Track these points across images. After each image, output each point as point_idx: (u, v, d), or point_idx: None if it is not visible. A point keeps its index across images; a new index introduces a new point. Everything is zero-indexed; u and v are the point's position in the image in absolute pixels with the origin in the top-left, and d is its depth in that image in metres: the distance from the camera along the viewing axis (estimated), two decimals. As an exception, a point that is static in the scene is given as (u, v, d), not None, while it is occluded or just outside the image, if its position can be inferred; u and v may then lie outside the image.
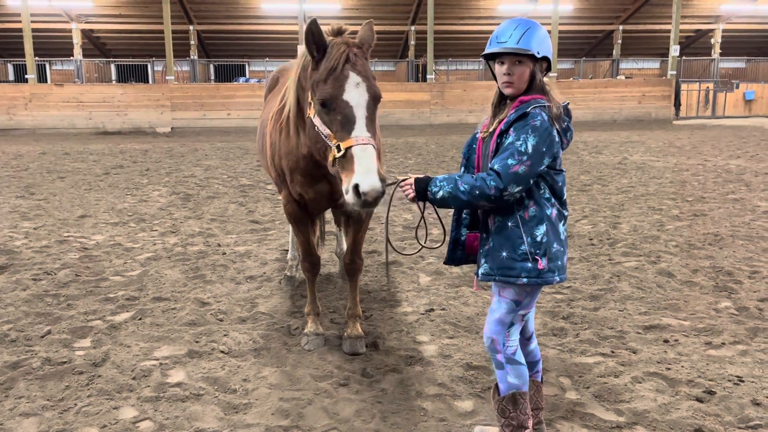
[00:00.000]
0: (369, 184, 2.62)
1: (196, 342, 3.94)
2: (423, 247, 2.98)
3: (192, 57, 28.51)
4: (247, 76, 29.97)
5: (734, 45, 32.78)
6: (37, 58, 23.79)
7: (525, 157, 2.44)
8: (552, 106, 2.54)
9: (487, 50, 2.58)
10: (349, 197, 2.69)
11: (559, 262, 2.58)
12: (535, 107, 2.51)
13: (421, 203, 2.69)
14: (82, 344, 3.92)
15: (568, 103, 2.66)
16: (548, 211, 2.56)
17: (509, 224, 2.55)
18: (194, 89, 23.04)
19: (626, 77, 28.55)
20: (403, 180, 2.66)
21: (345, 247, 4.27)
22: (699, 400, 3.16)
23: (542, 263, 2.52)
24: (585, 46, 33.74)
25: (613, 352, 3.75)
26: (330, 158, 2.88)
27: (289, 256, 5.30)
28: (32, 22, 22.73)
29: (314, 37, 2.91)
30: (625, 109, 24.06)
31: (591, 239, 6.34)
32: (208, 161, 12.98)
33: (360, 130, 2.78)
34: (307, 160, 3.50)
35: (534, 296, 2.66)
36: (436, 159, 13.19)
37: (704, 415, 3.01)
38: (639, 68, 32.96)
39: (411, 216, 7.30)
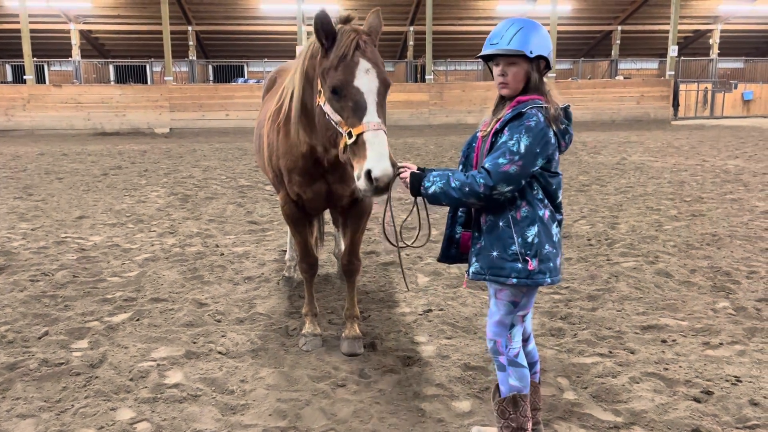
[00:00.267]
0: (381, 170, 2.62)
1: (194, 343, 3.93)
2: (407, 246, 2.96)
3: (190, 58, 28.52)
4: (246, 77, 29.98)
5: (732, 45, 32.84)
6: (35, 59, 23.79)
7: (517, 157, 2.43)
8: (550, 107, 2.51)
9: (482, 53, 2.59)
10: (360, 183, 2.68)
11: (551, 264, 2.55)
12: (531, 108, 2.50)
13: (418, 198, 2.70)
14: (80, 345, 3.91)
15: (569, 106, 2.63)
16: (540, 212, 2.54)
17: (500, 224, 2.54)
18: (193, 90, 23.04)
19: (625, 77, 28.57)
20: (403, 167, 2.68)
21: (343, 247, 4.26)
22: (697, 400, 3.16)
23: (532, 264, 2.51)
24: (583, 47, 33.78)
25: (610, 352, 3.75)
26: (341, 145, 2.87)
27: (287, 256, 5.30)
28: (30, 22, 22.72)
29: (324, 25, 2.91)
30: (624, 110, 24.08)
31: (589, 239, 6.35)
32: (206, 162, 12.97)
33: (371, 115, 2.78)
34: (306, 159, 3.49)
35: (530, 297, 2.64)
36: (435, 159, 13.19)
37: (702, 415, 3.01)
38: (637, 68, 33.01)
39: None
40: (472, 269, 2.65)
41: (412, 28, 29.08)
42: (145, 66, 29.25)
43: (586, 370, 3.52)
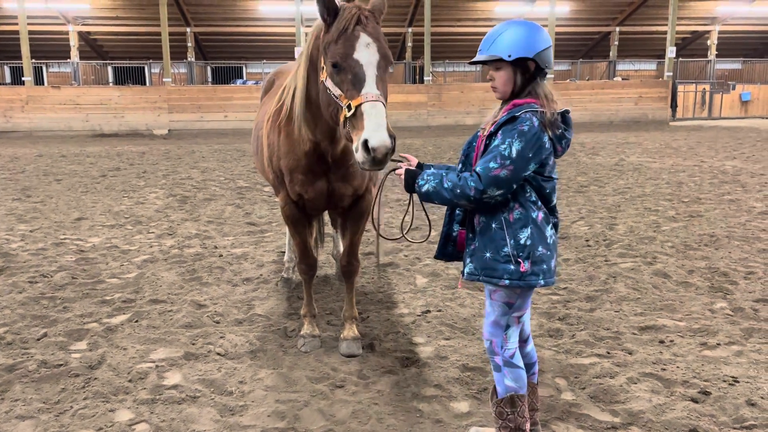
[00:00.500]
0: (378, 140, 2.61)
1: (193, 344, 3.94)
2: (404, 238, 2.98)
3: (189, 59, 28.53)
4: (245, 78, 29.97)
5: (730, 46, 32.88)
6: (33, 61, 23.76)
7: (508, 162, 2.43)
8: (546, 111, 2.49)
9: (472, 60, 2.62)
10: (359, 155, 2.68)
11: (545, 266, 2.55)
12: (526, 111, 2.49)
13: (414, 196, 2.70)
14: (78, 347, 3.91)
15: (568, 111, 2.60)
16: (534, 214, 2.54)
17: (493, 226, 2.55)
18: (191, 91, 23.04)
19: (623, 79, 28.60)
20: (400, 161, 2.69)
21: (341, 249, 4.27)
22: (694, 400, 3.17)
23: (525, 266, 2.51)
24: (582, 48, 33.81)
25: (608, 353, 3.76)
26: (341, 119, 2.88)
27: (285, 258, 5.30)
28: (29, 24, 22.72)
29: (325, 1, 2.94)
30: (622, 111, 24.10)
31: (587, 240, 6.36)
32: (205, 163, 12.98)
33: (369, 87, 2.79)
34: (309, 157, 3.50)
35: (525, 298, 2.64)
36: (434, 161, 13.21)
37: (699, 416, 3.02)
38: (636, 70, 33.04)
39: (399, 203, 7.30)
40: (466, 270, 2.66)
41: (410, 30, 29.10)
42: (143, 67, 29.25)
43: (584, 370, 3.53)
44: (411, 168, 2.68)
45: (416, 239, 2.98)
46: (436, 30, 26.03)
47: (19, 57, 22.56)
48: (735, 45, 33.27)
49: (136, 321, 4.33)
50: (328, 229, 6.10)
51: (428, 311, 4.48)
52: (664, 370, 3.51)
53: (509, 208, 2.54)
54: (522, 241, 2.51)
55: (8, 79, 28.89)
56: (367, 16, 2.94)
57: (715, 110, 27.81)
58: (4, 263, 5.66)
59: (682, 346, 3.83)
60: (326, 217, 5.68)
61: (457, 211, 2.77)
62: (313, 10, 3.06)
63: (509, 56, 2.49)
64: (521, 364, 2.68)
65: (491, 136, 2.55)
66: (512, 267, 2.52)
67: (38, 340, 3.99)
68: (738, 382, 3.35)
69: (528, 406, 2.78)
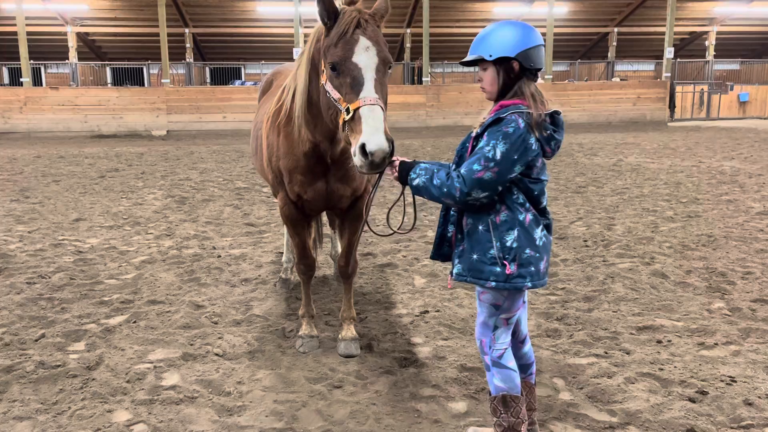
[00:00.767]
0: (376, 144, 2.61)
1: (191, 345, 3.94)
2: (395, 232, 2.99)
3: (188, 60, 28.51)
4: (243, 79, 29.95)
5: (728, 47, 32.93)
6: (32, 62, 23.73)
7: (492, 164, 2.42)
8: (532, 112, 2.47)
9: (461, 61, 2.65)
10: (356, 159, 2.68)
11: (532, 268, 2.53)
12: (512, 113, 2.47)
13: (405, 188, 2.71)
14: (76, 348, 3.91)
15: (558, 112, 2.57)
16: (521, 217, 2.52)
17: (480, 227, 2.55)
18: (190, 92, 23.03)
19: (621, 79, 28.62)
20: (393, 160, 2.70)
21: (340, 249, 4.27)
22: (691, 400, 3.18)
23: (510, 269, 2.50)
24: (580, 49, 33.84)
25: (606, 353, 3.77)
26: (340, 122, 2.89)
27: (284, 258, 5.30)
28: (27, 25, 22.70)
29: (325, 4, 2.95)
30: (620, 111, 24.12)
31: (585, 241, 6.36)
32: (203, 164, 12.97)
33: (368, 91, 2.79)
34: (308, 158, 3.50)
35: (514, 300, 2.62)
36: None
37: (696, 415, 3.03)
38: (634, 70, 33.06)
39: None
40: (455, 270, 2.66)
41: (409, 30, 29.12)
42: (142, 68, 29.24)
43: (581, 370, 3.53)
44: (406, 160, 2.69)
45: (404, 230, 2.98)
46: (434, 31, 26.05)
47: (18, 58, 22.54)
48: (733, 46, 33.32)
49: (134, 322, 4.33)
50: (326, 229, 6.11)
51: (426, 312, 4.49)
52: (662, 369, 3.52)
53: (496, 210, 2.53)
54: (508, 244, 2.51)
55: (6, 80, 28.88)
56: (367, 20, 2.94)
57: (713, 111, 27.84)
58: (2, 264, 5.66)
59: (680, 346, 3.84)
60: (324, 217, 5.69)
61: (452, 212, 2.77)
62: (312, 11, 3.08)
63: (490, 56, 2.51)
64: (511, 365, 2.66)
65: (478, 137, 2.55)
66: (498, 269, 2.51)
67: (36, 340, 3.99)
68: (735, 381, 3.36)
69: (526, 406, 2.79)
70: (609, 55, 31.29)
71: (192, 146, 17.13)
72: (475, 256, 2.56)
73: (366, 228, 3.11)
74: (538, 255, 2.55)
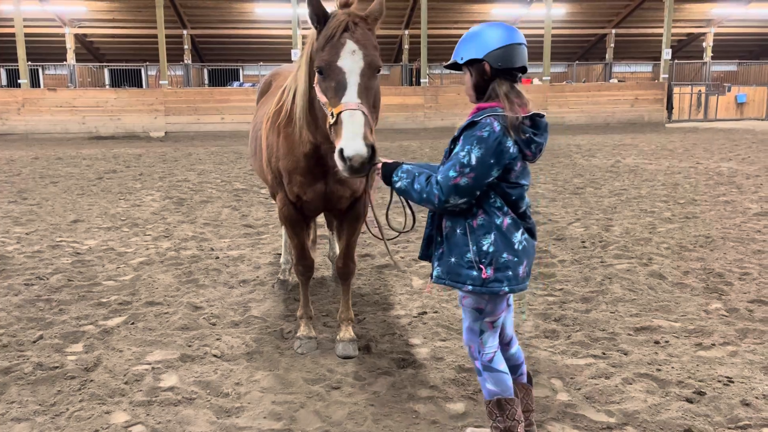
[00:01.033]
0: (353, 149, 2.62)
1: (189, 346, 3.94)
2: (397, 232, 3.00)
3: (186, 61, 28.50)
4: (241, 81, 29.96)
5: (726, 48, 33.01)
6: (30, 63, 23.73)
7: (468, 170, 2.40)
8: (508, 115, 2.42)
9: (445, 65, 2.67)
10: (337, 164, 2.69)
11: (510, 273, 2.50)
12: (488, 116, 2.45)
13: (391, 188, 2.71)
14: (74, 349, 3.91)
15: (540, 114, 2.51)
16: (498, 221, 2.50)
17: (458, 231, 2.54)
18: (188, 94, 23.03)
19: (619, 81, 28.67)
20: (376, 162, 2.70)
21: (338, 250, 4.27)
22: (689, 400, 3.19)
23: (487, 273, 2.48)
24: (578, 50, 33.89)
25: (604, 353, 3.77)
26: (327, 126, 2.89)
27: (282, 259, 5.30)
28: (25, 26, 22.68)
29: (314, 8, 2.96)
30: (618, 113, 24.16)
31: (583, 242, 6.37)
32: (201, 166, 12.97)
33: (350, 96, 2.78)
34: (308, 159, 3.50)
35: (496, 304, 2.59)
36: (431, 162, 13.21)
37: (694, 416, 3.03)
38: (632, 72, 33.13)
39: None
40: (434, 273, 2.65)
41: (407, 32, 29.14)
42: (140, 70, 29.22)
43: (579, 371, 3.54)
44: (388, 162, 2.70)
45: (401, 230, 2.99)
46: (432, 32, 26.07)
47: (16, 59, 22.52)
48: (730, 47, 33.40)
49: (132, 323, 4.33)
50: (323, 231, 6.11)
51: (424, 313, 4.49)
52: (659, 370, 3.53)
53: (473, 214, 2.51)
54: (484, 248, 2.49)
55: (4, 82, 28.86)
56: (356, 23, 2.93)
57: (710, 112, 27.90)
58: (0, 266, 5.66)
59: (677, 347, 3.84)
60: (320, 219, 5.69)
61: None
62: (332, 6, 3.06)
63: (462, 59, 2.52)
64: (502, 368, 2.65)
65: (455, 140, 2.54)
66: (475, 273, 2.50)
67: (34, 342, 3.99)
68: (733, 382, 3.37)
69: (523, 407, 2.79)
70: (607, 56, 31.33)
71: (190, 148, 17.12)
72: (453, 260, 2.55)
73: (364, 229, 3.12)
74: (516, 259, 2.51)
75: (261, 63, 28.29)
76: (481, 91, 2.55)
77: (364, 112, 2.74)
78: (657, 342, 3.92)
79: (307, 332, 3.98)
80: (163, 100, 21.98)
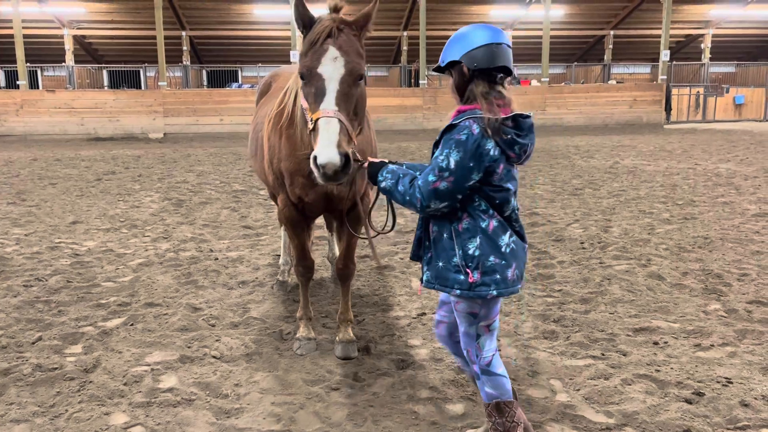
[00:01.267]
0: (326, 157, 2.61)
1: (188, 347, 3.93)
2: (379, 233, 3.01)
3: (184, 63, 28.51)
4: (240, 82, 29.97)
5: (724, 50, 33.08)
6: (28, 64, 23.71)
7: (447, 173, 2.39)
8: (486, 116, 2.40)
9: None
10: (313, 171, 2.70)
11: (498, 276, 2.47)
12: (467, 118, 2.43)
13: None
14: (73, 350, 3.91)
15: (525, 114, 2.48)
16: (483, 224, 2.48)
17: (444, 235, 2.53)
18: (187, 95, 23.02)
19: (617, 82, 28.71)
20: (363, 163, 2.70)
21: (337, 251, 4.27)
22: (688, 401, 3.19)
23: (473, 277, 2.46)
24: (576, 51, 33.94)
25: (603, 354, 3.78)
26: (308, 132, 2.90)
27: (281, 261, 5.30)
28: (24, 28, 22.67)
29: (299, 12, 2.96)
30: (617, 114, 24.19)
31: (582, 243, 6.38)
32: (200, 167, 12.97)
33: (327, 103, 2.77)
34: (309, 161, 3.49)
35: (490, 308, 2.57)
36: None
37: (693, 417, 3.04)
38: (630, 73, 33.18)
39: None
40: (424, 277, 2.65)
41: (405, 33, 29.17)
42: (138, 71, 29.23)
43: (578, 372, 3.54)
44: (375, 161, 2.70)
45: (380, 231, 3.02)
46: (431, 33, 26.08)
47: (14, 61, 22.50)
48: (728, 48, 33.47)
49: (132, 324, 4.32)
50: (322, 232, 6.11)
51: (424, 314, 4.49)
52: (658, 371, 3.53)
53: (458, 218, 2.50)
54: (470, 252, 2.47)
55: (3, 83, 28.83)
56: (341, 29, 2.91)
57: (709, 113, 27.94)
58: (-1, 267, 5.65)
59: (676, 348, 3.85)
60: (320, 220, 5.69)
61: None
62: (323, 10, 3.06)
63: (443, 62, 2.54)
64: (500, 371, 2.64)
65: (437, 144, 2.53)
66: (462, 277, 2.48)
67: (33, 343, 3.98)
68: (731, 383, 3.37)
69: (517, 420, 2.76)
70: (605, 57, 31.38)
71: (189, 149, 17.12)
72: (440, 264, 2.54)
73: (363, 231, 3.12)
74: (504, 262, 2.49)
75: (260, 64, 28.30)
76: (462, 93, 2.55)
77: (341, 120, 2.72)
78: (656, 343, 3.93)
79: (306, 333, 3.98)
80: (161, 101, 21.98)
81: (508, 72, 2.52)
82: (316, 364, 3.71)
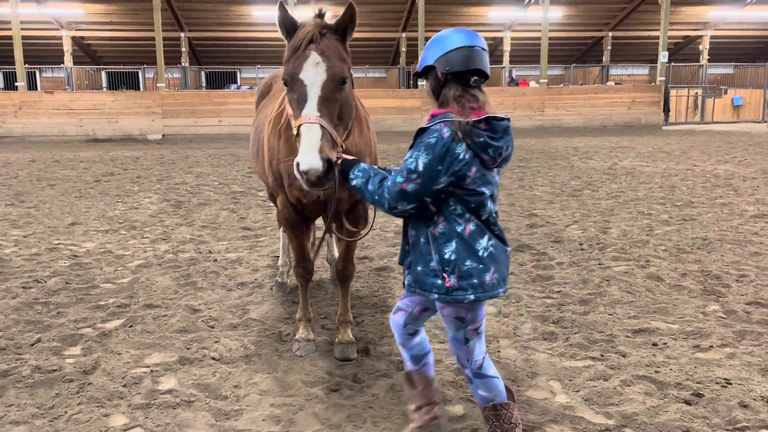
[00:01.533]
0: (307, 163, 2.62)
1: (187, 349, 3.93)
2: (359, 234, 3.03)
3: (183, 64, 28.51)
4: (239, 83, 29.99)
5: (722, 51, 33.15)
6: (27, 66, 23.72)
7: (414, 176, 2.40)
8: (456, 120, 2.40)
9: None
10: (297, 177, 2.71)
11: (475, 280, 2.45)
12: (439, 122, 2.45)
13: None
14: (73, 352, 3.90)
15: (499, 117, 2.46)
16: (459, 228, 2.47)
17: (421, 240, 2.53)
18: (185, 96, 23.03)
19: (616, 83, 28.75)
20: (337, 159, 2.71)
21: (336, 253, 4.27)
22: (687, 402, 3.19)
23: (450, 281, 2.46)
24: (575, 53, 34.00)
25: (602, 355, 3.78)
26: (294, 138, 2.92)
27: (280, 262, 5.30)
28: (22, 29, 22.67)
29: (282, 18, 2.96)
30: (615, 115, 24.23)
31: (581, 244, 6.38)
32: (199, 168, 12.97)
33: (309, 109, 2.77)
34: None
35: (476, 311, 2.56)
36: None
37: (692, 418, 3.04)
38: (628, 74, 33.24)
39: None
40: (406, 281, 2.65)
41: (404, 35, 29.19)
42: (137, 72, 29.23)
43: (578, 373, 3.54)
44: (348, 159, 2.72)
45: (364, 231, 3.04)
46: (429, 35, 26.03)
47: (13, 62, 22.51)
48: (727, 50, 33.54)
49: (131, 326, 4.32)
50: (320, 233, 6.11)
51: (423, 315, 4.49)
52: (658, 372, 3.53)
53: (434, 222, 2.50)
54: (446, 256, 2.47)
55: (1, 85, 28.82)
56: (323, 34, 2.90)
57: (707, 114, 28.00)
58: (-2, 269, 5.65)
59: (675, 349, 3.85)
60: (319, 221, 5.69)
61: None
62: (306, 15, 3.06)
63: (420, 68, 2.56)
64: (492, 372, 2.64)
65: (411, 147, 2.54)
66: (439, 281, 2.48)
67: (32, 345, 3.98)
68: (731, 384, 3.38)
69: (425, 398, 2.79)
70: (604, 59, 31.43)
71: (187, 150, 17.12)
72: (419, 268, 2.54)
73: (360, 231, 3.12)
74: (481, 266, 2.46)
75: (258, 66, 28.31)
76: (437, 96, 2.57)
77: (323, 126, 2.72)
78: (655, 344, 3.93)
79: (305, 335, 3.98)
80: (160, 102, 21.98)
81: (483, 75, 2.53)
82: (315, 366, 3.71)
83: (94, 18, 27.47)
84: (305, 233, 3.99)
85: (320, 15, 2.98)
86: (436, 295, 2.50)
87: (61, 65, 28.10)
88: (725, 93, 28.48)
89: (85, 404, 3.23)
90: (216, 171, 12.48)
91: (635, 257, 5.84)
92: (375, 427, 3.02)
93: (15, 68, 22.43)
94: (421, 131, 2.49)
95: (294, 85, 2.86)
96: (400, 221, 2.84)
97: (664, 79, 24.96)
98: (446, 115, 2.46)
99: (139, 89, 28.47)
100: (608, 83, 29.14)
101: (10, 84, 26.75)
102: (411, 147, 2.54)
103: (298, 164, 2.66)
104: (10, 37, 22.56)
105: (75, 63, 28.58)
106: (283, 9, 2.95)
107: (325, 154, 2.65)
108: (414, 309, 2.75)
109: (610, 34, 31.09)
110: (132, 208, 8.57)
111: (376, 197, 2.52)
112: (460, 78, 2.48)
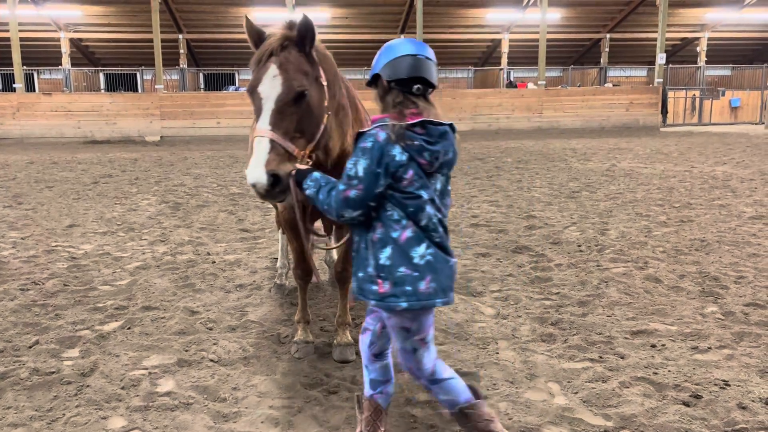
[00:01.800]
0: (252, 177, 2.65)
1: (186, 351, 3.93)
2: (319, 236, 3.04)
3: (181, 66, 28.52)
4: (237, 85, 29.98)
5: (720, 53, 33.24)
6: (25, 68, 23.71)
7: (356, 181, 2.42)
8: (394, 123, 2.43)
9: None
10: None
11: (408, 288, 2.42)
12: (375, 127, 2.47)
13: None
14: (71, 354, 3.90)
15: (433, 121, 2.47)
16: (395, 234, 2.45)
17: (362, 246, 2.54)
18: (184, 98, 23.03)
19: (614, 85, 28.80)
20: (292, 170, 2.72)
21: (335, 255, 4.27)
22: (686, 404, 3.19)
23: (383, 287, 2.45)
24: (573, 54, 34.05)
25: (601, 357, 3.78)
26: None
27: (278, 264, 5.30)
28: (20, 31, 22.67)
29: (248, 31, 2.99)
30: (613, 117, 24.28)
31: (579, 245, 6.39)
32: (197, 170, 12.96)
33: (262, 122, 2.78)
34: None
35: (422, 320, 2.53)
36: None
37: (691, 419, 3.04)
38: (626, 76, 33.30)
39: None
40: (353, 287, 2.65)
41: (403, 36, 29.21)
42: (135, 74, 29.22)
43: (576, 375, 3.54)
44: (302, 169, 2.72)
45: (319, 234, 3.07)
46: (428, 37, 26.14)
47: (11, 64, 22.50)
48: (724, 52, 33.63)
49: (129, 328, 4.31)
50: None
51: (421, 317, 4.48)
52: (656, 374, 3.53)
53: (373, 228, 2.50)
54: (381, 262, 2.46)
55: (-1, 86, 28.81)
56: (285, 46, 2.89)
57: (705, 116, 28.06)
58: (-4, 271, 5.64)
59: (674, 350, 3.85)
60: (318, 223, 5.68)
61: None
62: (277, 25, 3.06)
63: (370, 76, 2.58)
64: (447, 374, 2.62)
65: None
66: (374, 287, 2.48)
67: (30, 347, 3.97)
68: (729, 385, 3.38)
69: (369, 426, 2.75)
70: (601, 60, 31.50)
71: (186, 152, 17.11)
72: (360, 274, 2.55)
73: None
74: (416, 274, 2.43)
75: (257, 67, 28.27)
76: (380, 103, 2.60)
77: (273, 140, 2.71)
78: (653, 345, 3.93)
79: (304, 336, 3.98)
80: (158, 104, 21.98)
81: (428, 84, 2.54)
82: (314, 368, 3.71)
83: (92, 20, 27.46)
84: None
85: (290, 26, 2.98)
86: (372, 301, 2.50)
87: (59, 67, 28.09)
88: (723, 94, 28.55)
89: (83, 406, 3.23)
90: (214, 173, 12.48)
91: (633, 259, 5.85)
92: (374, 429, 3.02)
93: (13, 70, 22.43)
94: (360, 135, 2.51)
95: (253, 97, 2.87)
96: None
97: (662, 80, 25.01)
98: (383, 120, 2.49)
99: (137, 91, 28.46)
100: (606, 85, 29.19)
101: (8, 86, 26.71)
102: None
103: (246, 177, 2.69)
104: (8, 39, 22.56)
105: (73, 65, 28.58)
106: (248, 20, 2.98)
107: (271, 168, 2.66)
108: (376, 326, 2.75)
109: (608, 35, 31.16)
110: (130, 210, 8.56)
111: (325, 206, 2.52)
112: (404, 85, 2.51)
